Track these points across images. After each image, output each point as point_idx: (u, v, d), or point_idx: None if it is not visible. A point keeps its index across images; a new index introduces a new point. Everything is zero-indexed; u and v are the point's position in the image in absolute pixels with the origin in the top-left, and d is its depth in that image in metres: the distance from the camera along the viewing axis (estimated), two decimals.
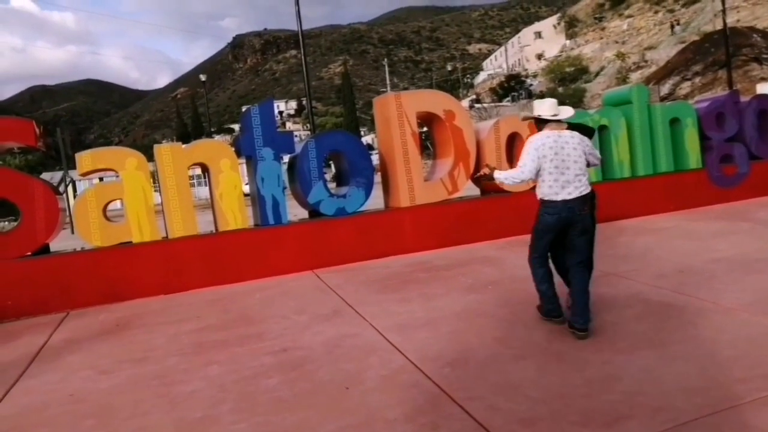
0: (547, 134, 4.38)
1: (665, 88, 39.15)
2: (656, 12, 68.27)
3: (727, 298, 4.84)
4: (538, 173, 4.36)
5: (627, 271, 6.11)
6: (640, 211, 9.83)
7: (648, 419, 2.92)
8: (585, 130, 4.66)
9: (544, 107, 4.49)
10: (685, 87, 38.05)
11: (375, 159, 9.68)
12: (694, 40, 46.55)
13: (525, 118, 4.77)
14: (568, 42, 77.86)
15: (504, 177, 4.51)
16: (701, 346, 3.82)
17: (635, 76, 49.05)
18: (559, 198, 4.27)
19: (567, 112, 4.52)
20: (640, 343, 3.99)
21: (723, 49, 29.46)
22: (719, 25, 31.98)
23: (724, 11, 30.09)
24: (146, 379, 4.38)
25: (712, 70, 37.19)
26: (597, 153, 4.58)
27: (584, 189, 4.32)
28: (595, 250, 4.52)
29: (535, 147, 4.35)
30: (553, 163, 4.27)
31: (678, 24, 56.42)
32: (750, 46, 37.90)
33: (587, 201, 4.33)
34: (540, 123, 4.53)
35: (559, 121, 4.47)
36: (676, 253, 6.78)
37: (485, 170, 4.66)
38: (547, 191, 4.32)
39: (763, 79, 31.48)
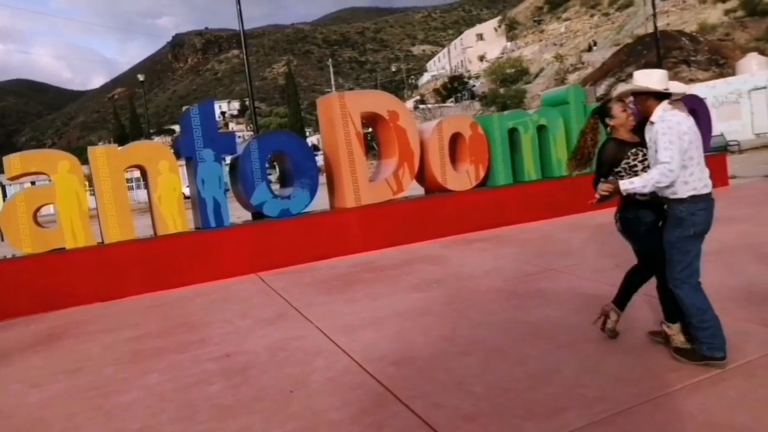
0: (686, 115, 3.43)
1: (601, 89, 40.54)
2: (592, 15, 70.74)
3: None
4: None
5: (566, 266, 6.27)
6: (579, 207, 10.11)
7: (587, 409, 3.00)
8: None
9: (655, 78, 3.49)
10: (619, 88, 39.49)
11: (320, 160, 9.63)
12: (627, 42, 48.43)
13: (621, 95, 3.77)
14: (508, 44, 79.62)
15: (643, 185, 3.37)
16: (636, 337, 3.95)
17: (573, 78, 50.58)
18: (709, 190, 3.41)
19: (678, 86, 3.64)
20: (579, 336, 4.10)
21: (654, 52, 30.74)
22: (651, 29, 33.39)
23: (654, 15, 31.42)
24: (81, 390, 4.20)
25: None
26: None
27: None
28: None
29: (679, 134, 3.34)
30: (699, 150, 3.42)
31: (596, 44, 58.57)
32: (679, 48, 39.73)
33: None
34: (647, 98, 3.51)
35: (670, 95, 3.49)
36: (612, 248, 7.00)
37: (605, 189, 3.55)
38: (699, 185, 3.38)
39: (691, 81, 33.07)
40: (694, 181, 3.36)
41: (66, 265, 7.34)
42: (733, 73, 32.13)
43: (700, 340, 3.38)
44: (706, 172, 3.42)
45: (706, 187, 3.38)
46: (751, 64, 31.15)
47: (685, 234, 3.38)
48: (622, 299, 3.98)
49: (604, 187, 3.55)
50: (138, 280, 7.53)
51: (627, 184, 3.44)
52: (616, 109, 3.70)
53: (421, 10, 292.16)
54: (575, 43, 63.86)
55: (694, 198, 3.35)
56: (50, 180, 7.44)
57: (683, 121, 3.38)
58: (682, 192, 3.36)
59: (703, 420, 2.78)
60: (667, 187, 3.38)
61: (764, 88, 27.75)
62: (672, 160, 3.29)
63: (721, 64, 38.01)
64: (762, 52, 35.47)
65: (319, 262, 8.36)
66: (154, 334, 5.50)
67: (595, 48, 57.26)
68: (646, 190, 3.41)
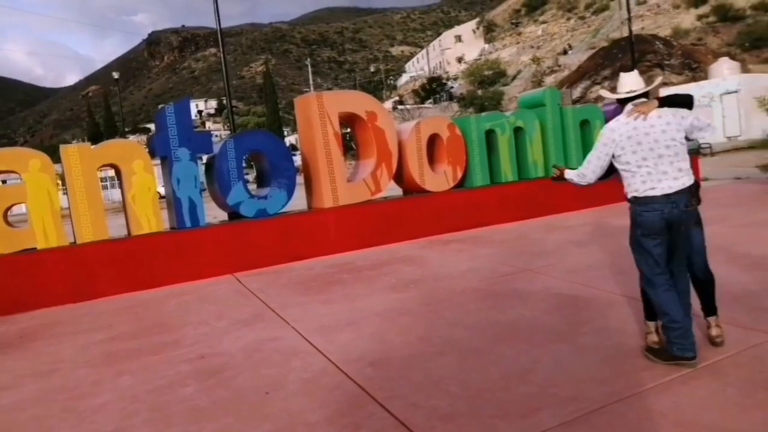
0: (631, 119, 3.54)
1: (577, 92, 41.02)
2: (569, 19, 71.53)
3: (632, 290, 5.09)
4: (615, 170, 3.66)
5: (541, 267, 6.34)
6: (554, 208, 10.24)
7: (560, 409, 3.03)
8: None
9: (620, 82, 3.67)
10: (595, 91, 40.02)
11: (298, 159, 9.60)
12: (603, 46, 49.09)
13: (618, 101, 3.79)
14: (486, 46, 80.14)
15: (571, 179, 3.88)
16: (609, 337, 4.01)
17: (549, 80, 51.11)
18: (657, 193, 3.46)
19: (629, 84, 3.67)
20: (554, 336, 4.14)
21: (629, 55, 31.20)
22: (626, 33, 33.88)
23: (629, 19, 31.87)
24: (52, 393, 4.13)
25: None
26: (701, 120, 3.51)
27: (687, 180, 3.48)
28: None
29: (605, 141, 3.60)
30: (644, 154, 3.47)
31: (571, 48, 59.22)
32: (653, 52, 40.35)
33: (695, 193, 3.54)
34: (622, 103, 3.67)
35: (638, 96, 3.60)
36: (586, 249, 7.10)
37: (555, 172, 4.03)
38: (642, 187, 3.50)
39: (665, 84, 33.63)
40: (635, 183, 3.52)
41: (37, 265, 7.20)
42: (706, 77, 32.75)
43: (670, 339, 3.44)
44: (661, 175, 3.44)
45: (653, 189, 3.45)
46: (722, 68, 31.78)
47: (635, 233, 3.58)
48: (708, 304, 3.79)
49: (555, 170, 4.05)
50: (111, 281, 7.42)
51: (567, 174, 3.93)
52: None
53: (400, 10, 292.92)
54: (552, 45, 64.51)
55: (636, 199, 3.53)
56: (21, 179, 7.29)
57: (618, 127, 3.56)
58: (629, 193, 3.59)
59: (674, 419, 2.82)
60: (629, 185, 3.59)
61: (735, 92, 28.37)
62: (586, 165, 3.72)
63: (694, 68, 38.73)
64: (733, 57, 36.24)
65: (296, 262, 8.32)
66: (127, 336, 5.42)
67: (570, 52, 57.92)
68: (574, 183, 3.87)
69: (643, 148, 3.48)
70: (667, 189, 3.44)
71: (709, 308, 3.72)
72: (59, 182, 7.64)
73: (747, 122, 27.96)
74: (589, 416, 2.93)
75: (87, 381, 4.29)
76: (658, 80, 3.79)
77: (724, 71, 31.22)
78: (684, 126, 3.48)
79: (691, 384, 3.17)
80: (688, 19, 51.18)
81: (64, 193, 7.63)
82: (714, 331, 3.65)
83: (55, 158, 7.68)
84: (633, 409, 2.97)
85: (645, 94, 3.62)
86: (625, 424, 2.83)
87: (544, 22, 75.17)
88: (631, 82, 3.63)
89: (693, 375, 3.28)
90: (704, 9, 50.98)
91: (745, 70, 33.69)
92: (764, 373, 3.20)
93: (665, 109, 3.53)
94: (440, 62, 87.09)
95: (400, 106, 60.24)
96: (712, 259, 3.82)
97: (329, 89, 30.51)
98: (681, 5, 54.81)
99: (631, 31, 31.26)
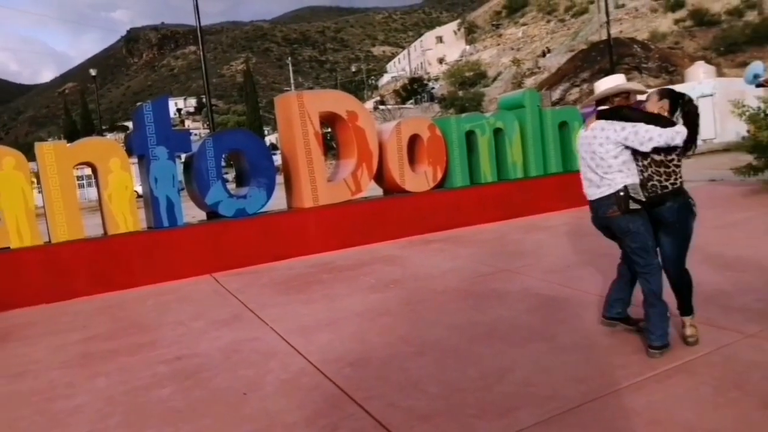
0: (589, 128, 3.86)
1: (556, 94, 41.41)
2: (548, 21, 72.11)
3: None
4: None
5: (520, 267, 6.38)
6: (533, 209, 10.32)
7: (538, 408, 3.06)
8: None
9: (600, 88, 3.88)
10: (575, 93, 40.42)
11: (278, 159, 9.55)
12: (582, 48, 49.60)
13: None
14: (467, 47, 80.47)
15: None
16: (586, 337, 4.05)
17: (529, 82, 51.51)
18: (588, 199, 3.90)
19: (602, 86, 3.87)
20: (532, 336, 4.18)
21: (608, 58, 31.58)
22: (605, 36, 34.27)
23: (608, 23, 32.25)
24: (25, 395, 4.05)
25: (599, 77, 39.77)
26: (650, 133, 3.58)
27: (606, 189, 3.70)
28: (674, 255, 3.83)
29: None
30: (585, 162, 3.85)
31: (549, 51, 59.73)
32: (631, 55, 40.89)
33: (616, 202, 3.66)
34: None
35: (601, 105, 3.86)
36: (564, 249, 7.16)
37: None
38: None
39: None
40: None
41: (11, 265, 7.06)
42: (682, 80, 33.20)
43: None
44: (588, 182, 3.87)
45: (587, 195, 3.91)
46: (698, 72, 32.29)
47: None
48: (681, 305, 3.80)
49: None
50: (87, 281, 7.31)
51: None
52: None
53: (381, 11, 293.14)
54: (532, 47, 65.01)
55: None
56: None
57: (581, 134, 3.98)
58: None
59: (648, 417, 2.86)
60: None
61: (711, 95, 28.83)
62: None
63: (671, 71, 39.30)
64: (708, 61, 36.87)
65: (275, 262, 8.27)
66: (103, 337, 5.35)
67: (549, 54, 58.40)
68: None
69: (579, 157, 3.96)
70: (591, 196, 3.87)
71: (683, 308, 3.78)
72: (34, 180, 7.50)
73: (722, 125, 28.41)
74: (566, 415, 2.96)
75: (61, 382, 4.22)
76: (601, 91, 3.83)
77: (700, 75, 31.71)
78: (616, 139, 3.65)
79: (666, 383, 3.22)
80: (665, 23, 51.96)
81: (38, 192, 7.49)
82: (688, 331, 3.71)
83: (30, 156, 7.54)
84: (609, 407, 3.00)
85: (608, 100, 3.83)
86: (601, 423, 2.86)
87: (524, 24, 75.70)
88: (600, 90, 3.87)
89: (667, 374, 3.33)
90: (681, 13, 51.80)
91: (720, 74, 34.29)
92: (736, 372, 3.26)
93: (600, 122, 3.78)
94: (421, 63, 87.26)
95: (381, 107, 60.27)
96: (687, 259, 3.87)
97: (310, 88, 30.45)
98: (659, 9, 55.62)
99: (609, 35, 31.65)
